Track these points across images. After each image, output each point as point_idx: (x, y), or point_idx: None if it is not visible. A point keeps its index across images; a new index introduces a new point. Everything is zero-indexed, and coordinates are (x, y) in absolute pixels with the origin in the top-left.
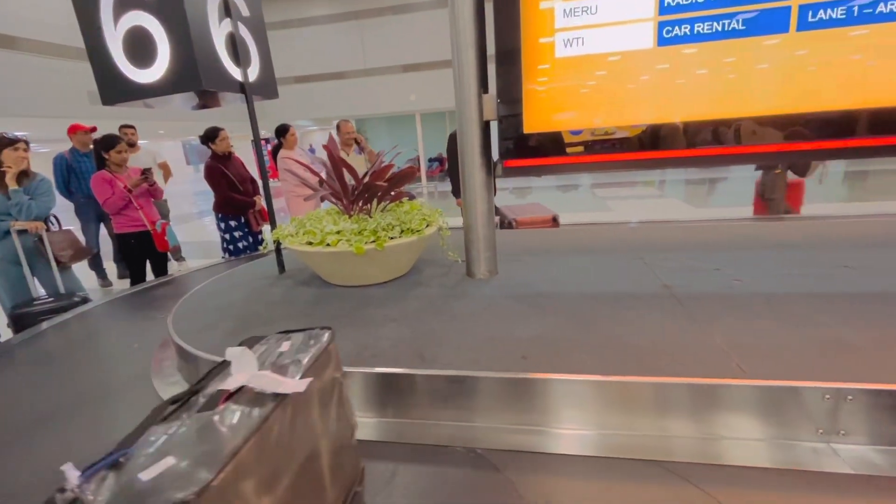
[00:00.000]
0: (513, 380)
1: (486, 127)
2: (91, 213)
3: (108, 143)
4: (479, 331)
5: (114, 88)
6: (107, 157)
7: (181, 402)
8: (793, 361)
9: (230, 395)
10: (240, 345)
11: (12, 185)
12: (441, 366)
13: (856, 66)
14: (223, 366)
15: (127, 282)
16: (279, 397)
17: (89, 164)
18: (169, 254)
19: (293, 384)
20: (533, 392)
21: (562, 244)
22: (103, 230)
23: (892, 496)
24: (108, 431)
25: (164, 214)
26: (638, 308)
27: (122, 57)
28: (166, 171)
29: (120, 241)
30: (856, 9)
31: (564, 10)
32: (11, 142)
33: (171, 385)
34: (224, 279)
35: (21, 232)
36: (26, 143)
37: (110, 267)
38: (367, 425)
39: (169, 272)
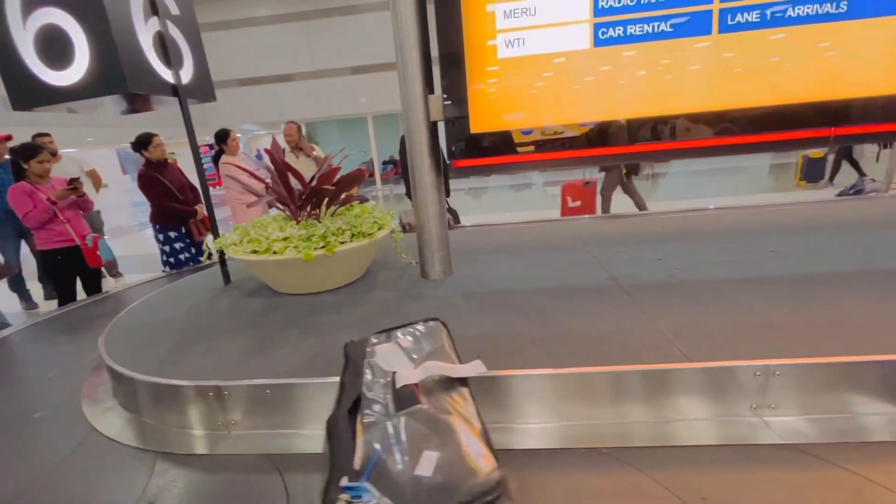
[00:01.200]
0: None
1: (433, 128)
2: (9, 230)
3: (28, 152)
4: None
5: (26, 92)
6: (26, 167)
7: (353, 408)
8: (727, 343)
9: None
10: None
11: None
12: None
13: (775, 67)
14: (352, 371)
15: (54, 303)
16: (459, 381)
17: (5, 175)
18: (103, 270)
19: (470, 367)
20: (490, 389)
21: (515, 242)
22: (25, 248)
23: (818, 461)
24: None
25: (98, 228)
26: (587, 301)
27: (33, 57)
28: (96, 180)
29: (44, 258)
30: (769, 13)
31: (505, 12)
32: None
33: (105, 412)
34: (163, 294)
35: None
36: None
37: (35, 288)
38: None
39: (104, 290)
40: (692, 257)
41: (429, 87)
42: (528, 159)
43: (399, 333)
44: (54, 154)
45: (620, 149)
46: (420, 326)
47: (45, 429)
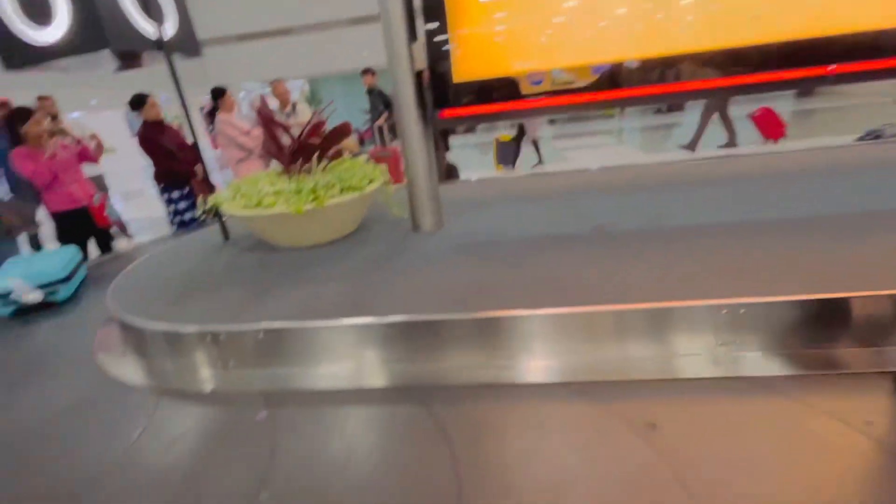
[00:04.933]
0: (441, 321)
1: (418, 77)
2: (29, 194)
3: (23, 115)
4: (419, 281)
5: (17, 52)
6: (23, 131)
7: None
8: (699, 284)
9: None
10: None
11: None
12: (375, 314)
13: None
14: None
15: None
16: None
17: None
18: (116, 230)
19: None
20: (480, 331)
21: (508, 194)
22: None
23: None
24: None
25: (103, 189)
26: (570, 248)
27: (17, 13)
28: (98, 144)
29: (56, 220)
30: None
31: None
32: None
33: (115, 357)
34: (166, 251)
35: None
36: None
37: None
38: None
39: (115, 250)
40: (684, 205)
41: (412, 35)
42: (516, 107)
43: None
44: (55, 116)
45: (627, 92)
46: None
47: (62, 371)
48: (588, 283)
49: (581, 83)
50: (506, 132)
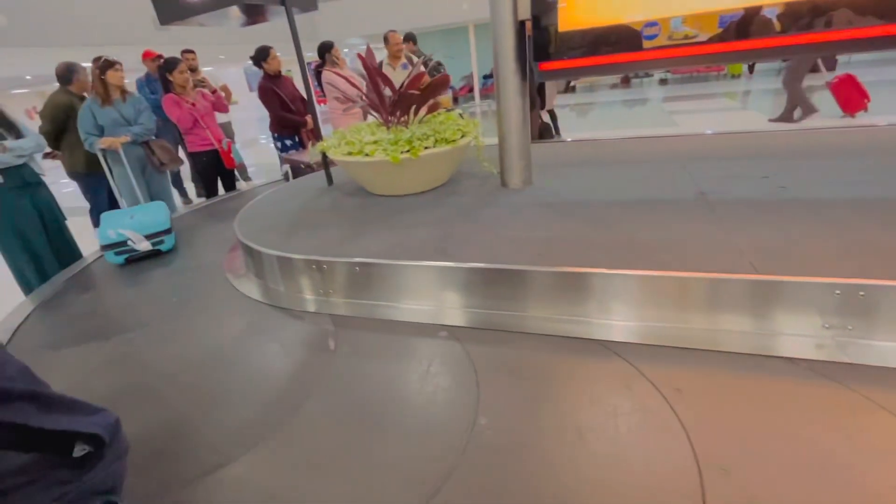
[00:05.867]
0: (526, 272)
1: (520, 28)
2: (170, 135)
3: (170, 65)
4: (502, 233)
5: (167, 9)
6: (171, 78)
7: None
8: (810, 260)
9: None
10: None
11: (116, 96)
12: (458, 259)
13: None
14: None
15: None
16: None
17: (159, 88)
18: (237, 173)
19: None
20: (545, 283)
21: (605, 156)
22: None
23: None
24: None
25: (230, 136)
26: (663, 212)
27: None
28: (228, 94)
29: (194, 159)
30: None
31: None
32: (111, 63)
33: (239, 277)
34: (280, 191)
35: (130, 144)
36: (121, 64)
37: (190, 188)
38: (398, 310)
39: (238, 189)
40: (809, 176)
41: None
42: (623, 59)
43: None
44: (194, 70)
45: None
46: None
47: (199, 280)
48: (673, 249)
49: (703, 37)
50: None
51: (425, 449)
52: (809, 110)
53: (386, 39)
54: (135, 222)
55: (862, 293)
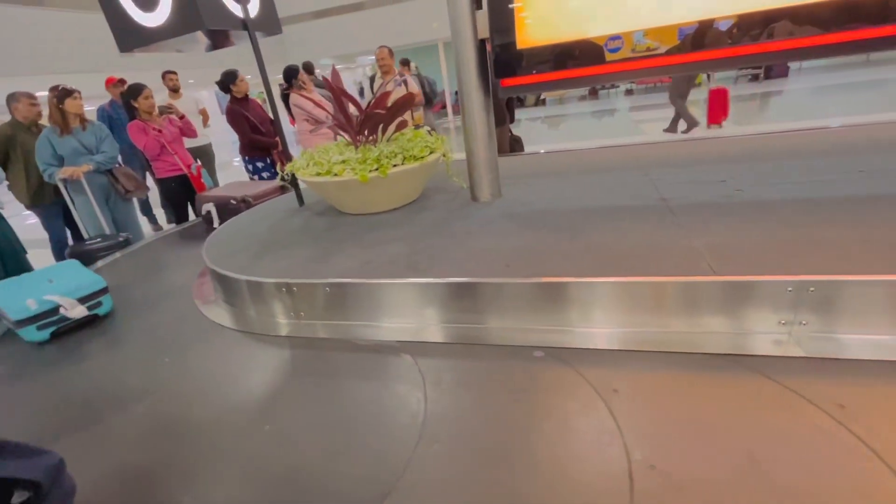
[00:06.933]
0: (497, 284)
1: (481, 46)
2: (136, 161)
3: (134, 91)
4: (472, 245)
5: (127, 36)
6: (136, 105)
7: None
8: (763, 258)
9: None
10: None
11: (76, 125)
12: (429, 275)
13: None
14: None
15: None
16: None
17: (123, 114)
18: None
19: None
20: (515, 294)
21: (571, 166)
22: (150, 181)
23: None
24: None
25: (210, 159)
26: (627, 219)
27: (129, 2)
28: (205, 117)
29: (162, 185)
30: None
31: None
32: (69, 92)
33: (208, 303)
34: (250, 213)
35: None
36: (79, 93)
37: (160, 214)
38: (369, 328)
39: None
40: (763, 179)
41: (477, 2)
42: (578, 74)
43: None
44: (175, 90)
45: (681, 57)
46: None
47: (168, 307)
48: (637, 254)
49: (664, 49)
50: None
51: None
52: (692, 123)
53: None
54: (59, 286)
55: (812, 289)
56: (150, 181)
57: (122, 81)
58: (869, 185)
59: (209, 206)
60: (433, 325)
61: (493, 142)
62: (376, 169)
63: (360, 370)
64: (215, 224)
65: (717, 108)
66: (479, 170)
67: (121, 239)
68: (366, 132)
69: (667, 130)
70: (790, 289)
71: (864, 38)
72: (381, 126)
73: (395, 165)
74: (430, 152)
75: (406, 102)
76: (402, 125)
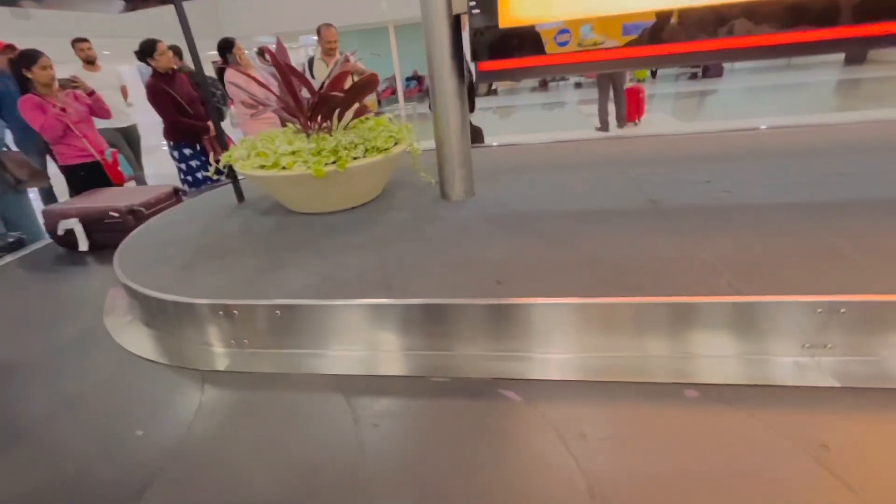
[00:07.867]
0: (488, 306)
1: (456, 22)
2: (32, 145)
3: (27, 58)
4: (452, 256)
5: None
6: (30, 75)
7: None
8: (783, 275)
9: None
10: None
11: None
12: (409, 294)
13: None
14: None
15: None
16: None
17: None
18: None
19: None
20: (509, 317)
21: (540, 161)
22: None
23: (875, 406)
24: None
25: (136, 143)
26: (618, 224)
27: None
28: (124, 95)
29: (68, 174)
30: None
31: None
32: None
33: (125, 325)
34: (177, 212)
35: None
36: None
37: None
38: (338, 358)
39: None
40: (745, 180)
41: None
42: (567, 61)
43: None
44: (91, 62)
45: (666, 48)
46: None
47: (69, 330)
48: (648, 269)
49: (610, 43)
50: None
51: None
52: (603, 126)
53: (319, 33)
54: None
55: (843, 310)
56: (53, 169)
57: (10, 47)
58: (849, 190)
59: (70, 224)
60: (407, 354)
61: (467, 133)
62: (333, 162)
63: (322, 412)
64: (82, 247)
65: (632, 106)
66: (450, 164)
67: (11, 240)
68: (319, 118)
69: (598, 129)
70: (820, 310)
71: (806, 41)
72: (337, 111)
73: (355, 158)
74: (395, 143)
75: (368, 84)
76: (361, 111)
